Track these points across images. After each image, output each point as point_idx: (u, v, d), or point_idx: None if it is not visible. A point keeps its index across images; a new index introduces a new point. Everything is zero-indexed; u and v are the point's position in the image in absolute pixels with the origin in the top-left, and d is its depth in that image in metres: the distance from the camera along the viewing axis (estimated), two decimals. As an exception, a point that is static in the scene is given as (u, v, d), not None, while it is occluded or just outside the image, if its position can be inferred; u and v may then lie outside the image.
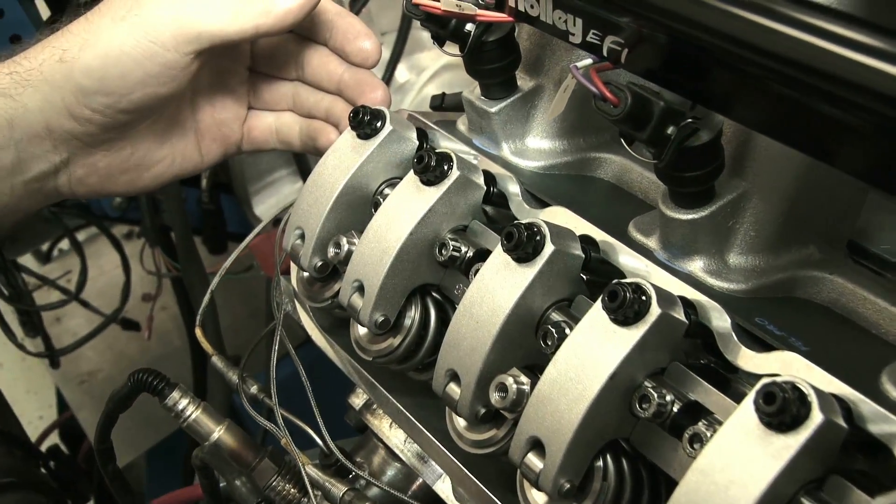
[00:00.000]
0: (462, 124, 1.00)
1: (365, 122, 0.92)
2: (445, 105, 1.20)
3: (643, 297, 0.70)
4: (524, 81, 0.94)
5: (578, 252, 0.78)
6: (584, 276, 0.80)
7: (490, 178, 0.90)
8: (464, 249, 0.86)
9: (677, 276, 0.77)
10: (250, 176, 1.97)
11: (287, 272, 1.09)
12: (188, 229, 1.90)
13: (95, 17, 0.92)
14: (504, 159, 0.95)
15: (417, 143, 0.95)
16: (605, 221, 0.83)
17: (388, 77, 1.78)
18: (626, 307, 0.69)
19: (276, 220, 1.97)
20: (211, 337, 1.61)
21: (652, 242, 0.82)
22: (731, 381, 0.73)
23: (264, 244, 1.97)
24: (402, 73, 1.84)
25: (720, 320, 0.73)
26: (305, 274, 0.99)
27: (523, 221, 0.77)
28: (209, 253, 2.14)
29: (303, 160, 1.92)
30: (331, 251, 0.91)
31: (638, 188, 0.92)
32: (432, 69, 1.82)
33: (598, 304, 0.71)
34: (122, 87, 0.92)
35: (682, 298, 0.74)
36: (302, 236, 0.95)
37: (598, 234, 0.81)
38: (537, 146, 0.95)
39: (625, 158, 0.94)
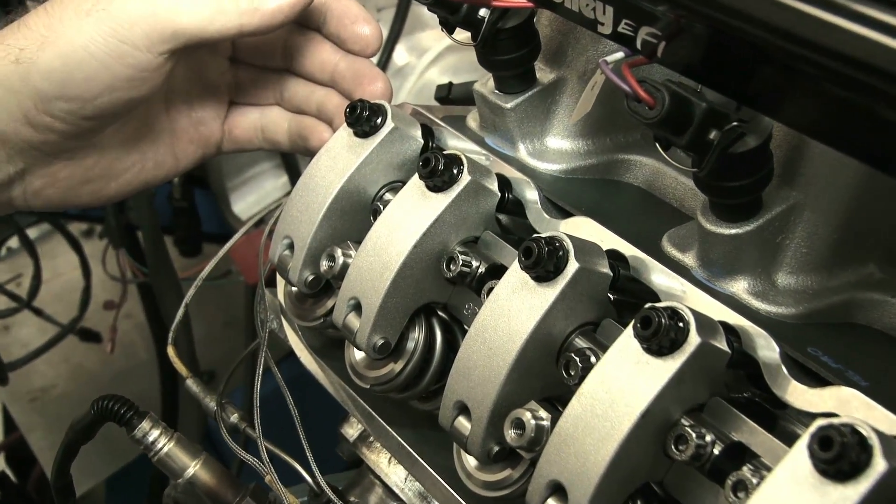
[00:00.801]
0: (473, 121, 1.00)
1: (363, 118, 0.92)
2: (453, 97, 1.20)
3: (680, 324, 0.69)
4: (544, 73, 0.94)
5: (606, 270, 0.78)
6: (612, 296, 0.80)
7: (505, 183, 0.90)
8: (475, 264, 0.86)
9: (718, 299, 0.76)
10: (228, 170, 1.97)
11: (272, 284, 1.09)
12: (158, 229, 1.90)
13: (57, 10, 0.88)
14: (520, 161, 0.95)
15: (422, 142, 0.95)
16: (635, 234, 0.83)
17: (384, 59, 1.78)
18: (660, 335, 0.69)
19: (259, 221, 1.98)
20: (184, 355, 1.60)
21: (689, 259, 0.82)
22: (780, 420, 0.73)
23: (245, 246, 1.97)
24: (400, 54, 1.84)
25: (767, 349, 0.73)
26: (294, 288, 0.98)
27: (543, 235, 0.77)
28: (181, 255, 2.15)
29: (288, 154, 1.92)
30: (323, 264, 0.91)
31: (672, 195, 0.92)
32: (435, 51, 1.82)
33: (629, 330, 0.71)
34: (86, 92, 0.89)
35: (724, 324, 0.73)
36: (291, 246, 0.95)
37: (628, 249, 0.81)
38: (558, 147, 0.95)
39: (657, 161, 0.94)
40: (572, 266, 0.75)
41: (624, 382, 0.70)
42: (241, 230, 1.24)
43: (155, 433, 0.99)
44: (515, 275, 0.78)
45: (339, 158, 0.93)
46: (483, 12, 0.87)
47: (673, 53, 0.71)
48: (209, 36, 0.90)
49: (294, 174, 1.94)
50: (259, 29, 0.91)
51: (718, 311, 0.75)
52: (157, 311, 2.13)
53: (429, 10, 0.88)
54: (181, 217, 2.08)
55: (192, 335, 1.80)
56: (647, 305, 0.70)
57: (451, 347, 0.90)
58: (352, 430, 1.03)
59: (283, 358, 1.62)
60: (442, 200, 0.85)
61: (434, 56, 1.82)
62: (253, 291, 1.99)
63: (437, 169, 0.84)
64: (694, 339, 0.69)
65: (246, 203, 2.00)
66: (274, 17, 0.91)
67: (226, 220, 2.11)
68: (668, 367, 0.69)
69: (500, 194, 0.88)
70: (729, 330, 0.73)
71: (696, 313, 0.70)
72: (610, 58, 0.73)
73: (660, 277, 0.79)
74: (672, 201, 0.92)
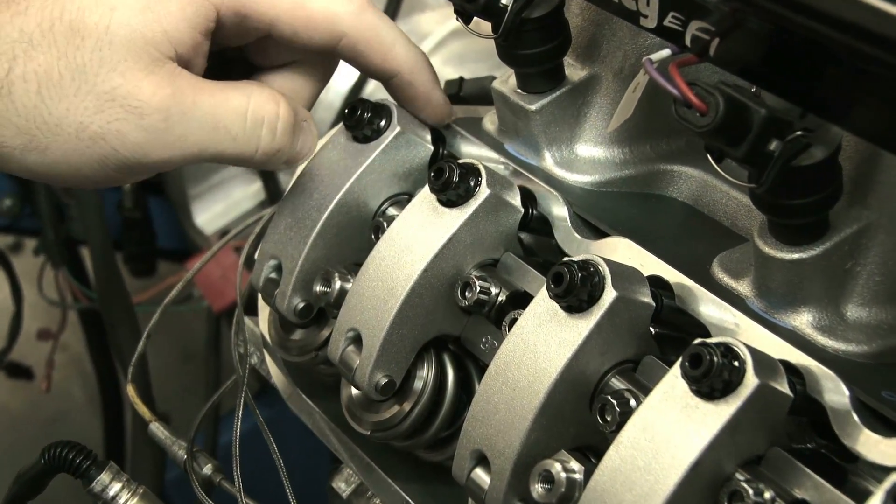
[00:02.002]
0: (490, 123, 1.02)
1: (364, 120, 0.95)
2: (464, 93, 1.22)
3: (735, 363, 0.72)
4: (574, 70, 0.96)
5: (647, 299, 0.80)
6: (654, 330, 0.83)
7: (528, 196, 0.92)
8: (494, 291, 0.88)
9: (778, 334, 0.79)
10: (190, 175, 1.99)
11: (251, 309, 1.11)
12: (109, 243, 1.90)
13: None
14: (546, 172, 0.97)
15: (432, 148, 0.97)
16: (680, 257, 0.85)
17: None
18: (712, 376, 0.71)
19: (225, 234, 2.00)
20: (142, 393, 1.62)
21: (744, 287, 0.84)
22: (850, 474, 0.76)
23: (209, 266, 1.99)
24: (397, 40, 1.86)
25: (835, 393, 0.75)
26: (279, 317, 1.01)
27: (575, 259, 0.79)
28: (131, 275, 2.16)
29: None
30: (317, 289, 0.93)
31: (723, 213, 0.95)
32: (437, 36, 1.85)
33: (676, 370, 0.73)
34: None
35: (785, 364, 0.76)
36: (278, 269, 0.97)
37: (673, 275, 0.83)
38: (590, 155, 0.97)
39: (706, 173, 0.96)
40: (609, 295, 0.78)
41: (670, 430, 0.72)
42: (214, 247, 1.27)
43: (116, 486, 1.01)
44: (543, 304, 0.80)
45: (336, 166, 0.95)
46: (506, 0, 0.89)
47: (728, 52, 0.74)
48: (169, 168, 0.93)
49: (269, 180, 1.96)
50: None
51: (778, 348, 0.77)
52: (100, 342, 2.15)
53: (444, -4, 0.90)
54: (133, 230, 2.10)
55: (149, 372, 1.82)
56: (697, 341, 0.73)
57: (465, 387, 0.93)
58: (345, 485, 1.06)
59: (258, 392, 1.64)
60: (456, 217, 0.88)
61: (436, 43, 1.84)
62: (217, 321, 2.02)
63: (450, 181, 0.87)
64: (751, 381, 0.71)
65: (211, 214, 2.02)
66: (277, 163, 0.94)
67: (185, 234, 2.13)
68: (720, 413, 0.71)
69: (523, 210, 0.90)
70: (791, 370, 0.76)
71: (752, 350, 0.72)
72: (655, 56, 0.76)
73: (710, 308, 0.81)
74: (723, 219, 0.95)
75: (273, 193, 1.96)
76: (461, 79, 1.24)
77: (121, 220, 2.10)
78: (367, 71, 0.96)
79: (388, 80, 0.97)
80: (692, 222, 0.96)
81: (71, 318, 2.21)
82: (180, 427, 2.57)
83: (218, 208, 2.02)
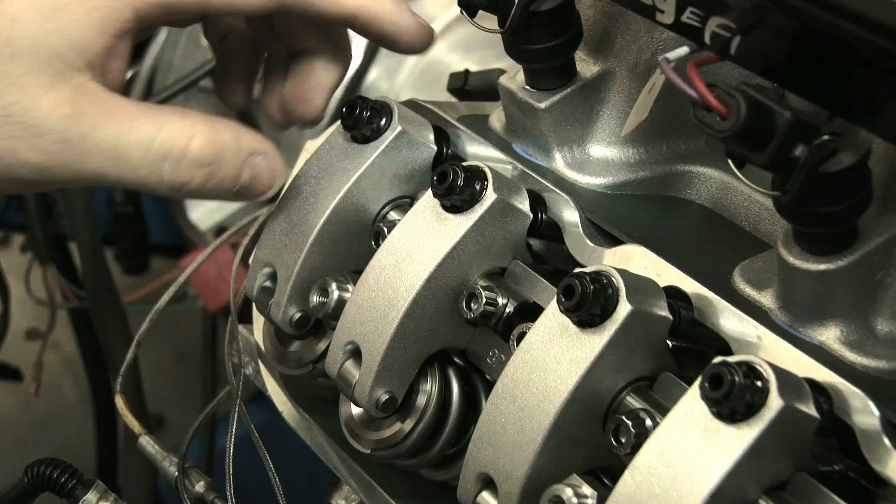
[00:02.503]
0: (497, 122, 1.01)
1: (363, 119, 0.93)
2: (470, 88, 1.21)
3: (758, 383, 0.70)
4: (586, 66, 0.95)
5: (664, 313, 0.79)
6: (670, 343, 0.81)
7: (538, 200, 0.91)
8: (501, 302, 0.87)
9: (803, 349, 0.77)
10: (184, 167, 1.97)
11: (245, 316, 1.10)
12: (98, 240, 1.89)
13: None
14: (556, 173, 0.96)
15: (435, 148, 0.96)
16: (699, 266, 0.84)
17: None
18: (733, 397, 0.70)
19: (221, 231, 1.99)
20: (133, 402, 1.61)
21: (767, 299, 0.83)
22: (879, 499, 0.74)
23: (204, 263, 1.98)
24: (399, 26, 1.84)
25: (864, 414, 0.73)
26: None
27: (587, 270, 0.78)
28: (124, 273, 2.16)
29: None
30: (314, 300, 0.92)
31: (744, 217, 0.93)
32: (442, 21, 1.83)
33: (695, 390, 0.72)
34: None
35: (811, 382, 0.74)
36: (273, 277, 0.96)
37: (691, 286, 0.82)
38: (603, 155, 0.96)
39: (726, 174, 0.95)
40: (624, 308, 0.77)
41: (689, 455, 0.71)
42: (208, 248, 1.26)
43: (103, 506, 1.00)
44: (553, 319, 0.79)
45: (334, 169, 0.94)
46: (513, -8, 0.88)
47: (750, 50, 0.73)
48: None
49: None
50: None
51: (804, 365, 0.76)
52: (92, 342, 2.14)
53: (446, -12, 0.89)
54: (124, 225, 2.09)
55: (140, 375, 1.81)
56: (718, 360, 0.71)
57: (471, 403, 0.91)
58: (344, 503, 1.05)
59: (255, 392, 1.63)
60: (461, 223, 0.86)
61: (441, 28, 1.81)
62: (213, 320, 2.02)
63: (455, 185, 0.86)
64: (775, 403, 0.70)
65: (206, 209, 2.01)
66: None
67: (179, 229, 2.12)
68: (742, 437, 0.70)
69: (531, 215, 0.89)
70: (817, 389, 0.74)
71: (776, 370, 0.71)
72: (672, 54, 0.74)
73: (731, 322, 0.80)
74: (744, 224, 0.93)
75: (270, 188, 1.94)
76: (466, 71, 1.23)
77: (112, 215, 2.09)
78: (326, 22, 0.94)
79: (351, 26, 0.94)
80: (711, 227, 0.94)
81: (61, 315, 2.19)
82: (175, 428, 2.57)
83: (213, 203, 2.01)
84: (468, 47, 1.80)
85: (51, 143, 0.83)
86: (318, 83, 0.97)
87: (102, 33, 0.85)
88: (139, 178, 0.86)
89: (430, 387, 0.90)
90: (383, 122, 0.94)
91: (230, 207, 2.00)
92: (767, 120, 0.70)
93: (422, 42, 0.96)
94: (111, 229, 2.10)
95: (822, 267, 0.78)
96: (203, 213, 2.01)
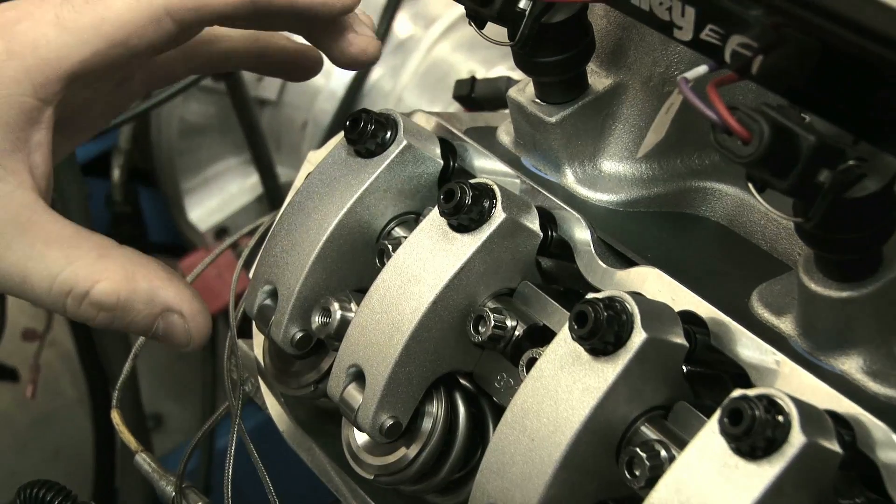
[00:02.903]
0: (506, 134, 0.99)
1: (367, 132, 0.91)
2: (476, 94, 1.19)
3: (779, 418, 0.68)
4: (598, 78, 0.92)
5: (680, 340, 0.77)
6: (685, 367, 0.79)
7: (548, 218, 0.89)
8: (510, 325, 0.85)
9: (825, 379, 0.75)
10: (183, 167, 1.97)
11: (245, 328, 1.08)
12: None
13: None
14: (567, 189, 0.94)
15: (442, 163, 0.94)
16: (715, 289, 0.82)
17: (383, 30, 1.78)
18: (754, 434, 0.68)
19: (221, 232, 1.97)
20: (130, 416, 1.59)
21: (786, 325, 0.80)
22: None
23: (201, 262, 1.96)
24: (403, 23, 1.83)
25: (889, 448, 0.71)
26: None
27: (600, 296, 0.76)
28: (121, 273, 2.13)
29: (259, 146, 1.91)
30: (316, 320, 0.90)
31: (761, 236, 0.91)
32: (446, 20, 1.82)
33: (714, 424, 0.70)
34: None
35: (833, 415, 0.72)
36: (273, 295, 0.94)
37: (708, 311, 0.80)
38: (615, 171, 0.94)
39: (742, 191, 0.93)
40: (639, 336, 0.75)
41: (706, 492, 0.69)
42: (210, 256, 1.23)
43: (98, 530, 0.97)
44: (565, 346, 0.77)
45: (337, 184, 0.92)
46: (524, 3, 0.85)
47: (772, 70, 0.70)
48: None
49: (267, 172, 1.93)
50: None
51: (825, 396, 0.74)
52: (89, 340, 2.12)
53: (455, 0, 0.86)
54: (123, 225, 2.08)
55: (138, 379, 1.79)
56: (737, 394, 0.69)
57: (478, 426, 0.89)
58: (347, 525, 1.03)
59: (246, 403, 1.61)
60: (469, 243, 0.84)
61: (445, 27, 1.81)
62: (213, 321, 1.99)
63: (462, 204, 0.83)
64: (797, 439, 0.68)
65: (205, 209, 2.00)
66: None
67: (178, 228, 2.11)
68: (763, 475, 0.68)
69: (542, 235, 0.87)
70: (839, 421, 0.72)
71: (798, 404, 0.69)
72: (690, 74, 0.72)
73: (749, 349, 0.78)
74: (761, 242, 0.91)
75: (271, 188, 1.93)
76: (473, 79, 1.20)
77: (111, 214, 2.07)
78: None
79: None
80: (727, 246, 0.92)
81: (57, 316, 2.17)
82: (173, 427, 2.54)
83: (213, 203, 2.00)
84: (472, 47, 1.78)
85: None
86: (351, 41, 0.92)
87: (9, 131, 0.83)
88: (45, 304, 0.85)
89: (435, 410, 0.88)
90: (388, 135, 0.92)
91: (230, 208, 1.99)
92: (791, 144, 0.68)
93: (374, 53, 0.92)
94: (109, 229, 2.08)
95: (845, 294, 0.75)
96: (202, 214, 2.00)
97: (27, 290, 0.84)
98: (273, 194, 1.94)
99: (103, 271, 0.85)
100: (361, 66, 0.93)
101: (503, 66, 1.69)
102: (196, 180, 1.99)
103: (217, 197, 2.01)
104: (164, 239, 2.19)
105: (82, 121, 0.99)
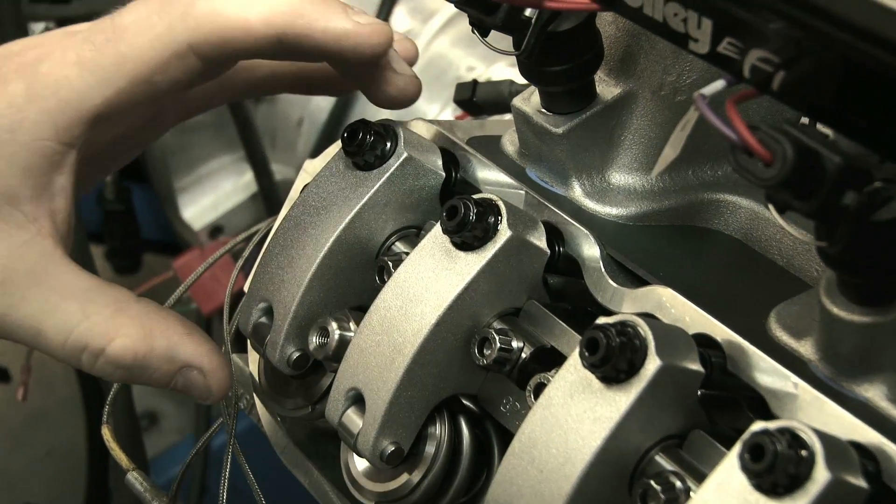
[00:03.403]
0: (510, 144, 0.96)
1: (366, 144, 0.88)
2: (478, 98, 1.16)
3: (802, 453, 0.65)
4: (606, 87, 0.90)
5: (696, 367, 0.74)
6: (700, 391, 0.76)
7: (555, 233, 0.86)
8: (516, 346, 0.82)
9: (847, 407, 0.72)
10: (177, 165, 1.94)
11: (240, 340, 1.05)
12: (84, 238, 1.85)
13: None
14: (574, 203, 0.92)
15: (444, 174, 0.91)
16: (731, 309, 0.79)
17: (379, 25, 1.73)
18: (776, 470, 0.65)
19: (215, 230, 1.94)
20: (123, 430, 1.56)
21: (806, 349, 0.78)
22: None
23: (197, 263, 1.93)
24: (400, 18, 1.81)
25: (916, 481, 0.69)
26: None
27: (612, 321, 0.73)
28: (114, 272, 2.11)
29: (254, 143, 1.88)
30: (313, 341, 0.88)
31: (777, 250, 0.89)
32: (444, 15, 1.79)
33: (733, 459, 0.67)
34: None
35: (857, 446, 0.70)
36: (269, 313, 0.91)
37: (724, 334, 0.77)
38: (624, 183, 0.91)
39: (757, 203, 0.90)
40: (653, 363, 0.72)
41: (726, 529, 0.66)
42: (207, 262, 1.20)
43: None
44: (575, 373, 0.74)
45: (334, 198, 0.90)
46: (529, 12, 0.82)
47: (795, 87, 0.67)
48: None
49: (261, 170, 1.90)
50: None
51: (849, 426, 0.71)
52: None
53: (457, 6, 0.83)
54: (115, 223, 2.05)
55: (134, 407, 1.77)
56: (758, 428, 0.67)
57: (483, 450, 0.87)
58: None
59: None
60: (473, 262, 0.81)
61: (445, 21, 1.78)
62: (208, 323, 1.97)
63: (466, 221, 0.81)
64: (821, 476, 0.65)
65: (199, 207, 1.97)
66: None
67: (171, 226, 2.08)
68: (786, 513, 0.65)
69: (549, 252, 0.84)
70: (864, 453, 0.70)
71: (823, 437, 0.66)
72: (707, 89, 0.69)
73: (767, 375, 0.75)
74: (776, 257, 0.89)
75: (265, 186, 1.90)
76: (475, 82, 1.17)
77: (102, 212, 2.04)
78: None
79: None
80: (742, 262, 0.90)
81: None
82: (167, 426, 2.52)
83: (207, 201, 1.97)
84: (472, 42, 1.75)
85: None
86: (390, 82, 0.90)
87: (30, 176, 0.82)
88: (59, 359, 0.85)
89: (439, 434, 0.85)
90: (388, 147, 0.89)
91: (224, 207, 1.97)
92: (815, 165, 0.65)
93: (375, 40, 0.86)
94: (101, 227, 2.06)
95: (870, 319, 0.72)
96: (197, 212, 1.97)
97: (41, 344, 0.84)
98: (268, 192, 1.92)
99: (120, 328, 0.84)
100: (401, 107, 0.90)
101: (503, 63, 1.66)
102: (189, 178, 1.97)
103: (211, 195, 1.98)
104: (157, 237, 2.16)
105: (113, 154, 0.98)
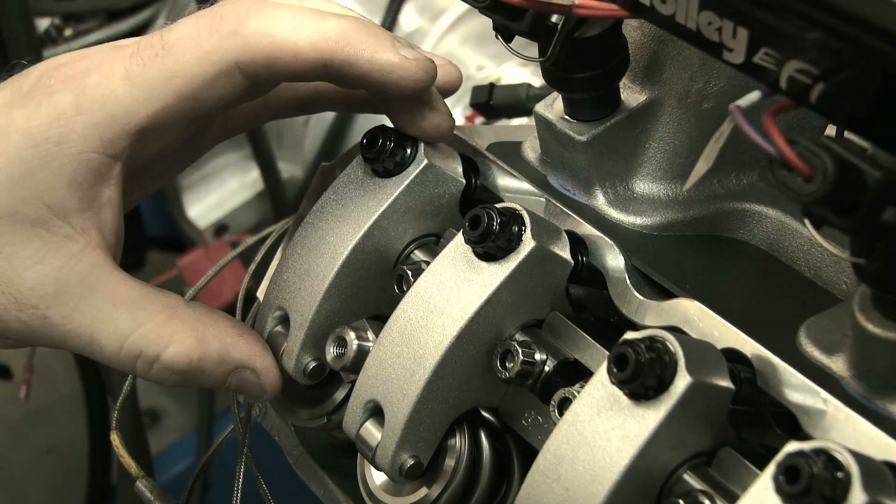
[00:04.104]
0: (531, 150, 0.95)
1: (386, 150, 0.87)
2: (495, 102, 1.14)
3: (838, 475, 0.64)
4: (632, 94, 0.88)
5: (727, 383, 0.72)
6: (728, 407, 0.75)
7: (578, 243, 0.84)
8: (539, 359, 0.81)
9: (881, 426, 0.70)
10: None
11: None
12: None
13: None
14: (598, 212, 0.90)
15: (464, 181, 0.90)
16: (760, 323, 0.78)
17: (389, 22, 1.73)
18: (812, 494, 0.63)
19: (220, 229, 1.92)
20: (127, 431, 1.54)
21: (838, 366, 0.76)
22: None
23: (202, 261, 1.92)
24: (409, 17, 1.80)
25: (955, 504, 0.67)
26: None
27: (640, 336, 0.71)
28: (119, 269, 2.09)
29: (260, 141, 1.86)
30: (330, 352, 0.86)
31: (804, 262, 0.87)
32: (453, 13, 1.78)
33: (767, 481, 0.66)
34: None
35: (892, 466, 0.68)
36: (285, 321, 0.90)
37: (753, 349, 0.76)
38: (649, 193, 0.90)
39: (784, 213, 0.89)
40: (683, 381, 0.70)
41: (760, 552, 0.65)
42: (217, 266, 1.18)
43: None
44: (602, 389, 0.73)
45: (353, 205, 0.88)
46: (555, 18, 0.81)
47: (834, 99, 0.65)
48: None
49: (268, 168, 1.88)
50: None
51: (883, 446, 0.70)
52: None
53: (481, 12, 0.81)
54: (119, 220, 2.03)
55: (140, 413, 1.75)
56: (793, 449, 0.65)
57: (503, 464, 0.85)
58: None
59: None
60: (496, 273, 0.80)
61: (453, 20, 1.78)
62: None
63: (490, 231, 0.79)
64: (858, 499, 0.63)
65: (204, 205, 1.96)
66: None
67: (176, 223, 2.06)
68: (821, 537, 0.64)
69: (573, 263, 0.83)
70: (898, 473, 0.68)
71: (859, 459, 0.64)
72: (743, 101, 0.67)
73: (798, 393, 0.73)
74: (804, 269, 0.87)
75: (272, 185, 1.89)
76: (491, 85, 1.15)
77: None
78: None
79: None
80: (769, 273, 0.88)
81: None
82: (170, 424, 2.50)
83: (212, 199, 1.96)
84: (482, 40, 1.75)
85: (32, 318, 0.83)
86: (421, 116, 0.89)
87: (77, 189, 0.82)
88: (114, 366, 0.85)
89: (459, 447, 0.84)
90: (408, 153, 0.87)
91: (230, 205, 1.95)
92: (855, 181, 0.63)
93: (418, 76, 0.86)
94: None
95: (905, 337, 0.71)
96: (201, 210, 1.96)
97: (96, 352, 0.84)
98: (274, 190, 1.90)
99: (173, 334, 0.84)
100: (432, 140, 0.89)
101: (513, 63, 1.64)
102: (195, 176, 1.95)
103: (216, 193, 1.96)
104: (162, 231, 2.15)
105: (157, 170, 0.98)
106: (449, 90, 0.91)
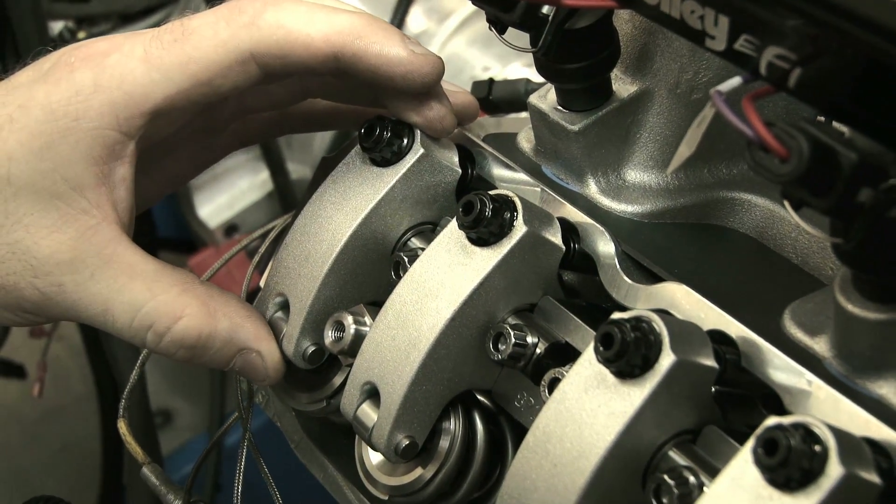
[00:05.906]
0: (526, 141, 0.96)
1: (383, 140, 0.89)
2: (494, 96, 1.16)
3: (816, 448, 0.65)
4: (623, 85, 0.90)
5: (711, 362, 0.74)
6: (714, 388, 0.76)
7: (570, 230, 0.86)
8: (531, 342, 0.82)
9: (861, 404, 0.72)
10: (191, 163, 1.93)
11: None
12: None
13: None
14: (590, 200, 0.92)
15: (460, 171, 0.91)
16: (746, 306, 0.79)
17: (396, 24, 1.74)
18: (790, 464, 0.65)
19: (231, 229, 1.94)
20: (138, 426, 1.56)
21: (820, 346, 0.77)
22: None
23: (212, 260, 1.94)
24: (417, 19, 1.81)
25: (932, 479, 0.68)
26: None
27: (627, 316, 0.73)
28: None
29: (269, 141, 1.88)
30: (329, 335, 0.88)
31: (792, 249, 0.89)
32: (460, 15, 1.80)
33: (747, 454, 0.67)
34: None
35: (871, 443, 0.69)
36: (285, 307, 0.92)
37: (738, 330, 0.77)
38: (640, 181, 0.91)
39: (772, 202, 0.90)
40: (667, 359, 0.72)
41: (739, 524, 0.66)
42: (222, 259, 1.21)
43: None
44: (589, 368, 0.74)
45: (351, 193, 0.90)
46: (546, 9, 0.82)
47: (811, 84, 0.67)
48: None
49: (277, 168, 1.90)
50: None
51: (862, 423, 0.71)
52: (96, 338, 2.10)
53: (475, 4, 0.83)
54: (131, 220, 2.05)
55: (146, 380, 1.77)
56: (772, 423, 0.66)
57: (496, 445, 0.87)
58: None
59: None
60: (489, 258, 0.82)
61: (460, 22, 1.78)
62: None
63: (482, 216, 0.81)
64: (835, 471, 0.65)
65: (215, 205, 1.97)
66: None
67: (187, 223, 2.08)
68: (799, 508, 0.65)
69: (564, 248, 0.84)
70: (877, 449, 0.69)
71: (836, 433, 0.66)
72: (724, 86, 0.69)
73: (782, 372, 0.75)
74: (791, 256, 0.88)
75: (281, 185, 1.90)
76: (491, 80, 1.17)
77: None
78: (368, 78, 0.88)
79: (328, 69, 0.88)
80: (757, 260, 0.90)
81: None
82: (182, 424, 2.52)
83: (223, 199, 1.97)
84: (488, 42, 1.76)
85: (48, 286, 0.85)
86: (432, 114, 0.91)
87: (93, 164, 0.85)
88: (125, 336, 0.87)
89: (453, 429, 0.85)
90: (404, 143, 0.89)
91: (240, 205, 1.97)
92: (831, 162, 0.65)
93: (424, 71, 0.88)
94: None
95: (885, 316, 0.72)
96: (212, 211, 1.97)
97: (108, 322, 0.86)
98: (284, 191, 1.92)
99: (185, 307, 0.86)
100: (435, 134, 0.91)
101: (519, 63, 1.66)
102: (205, 176, 1.96)
103: (227, 193, 1.98)
104: (173, 235, 2.16)
105: (171, 171, 1.01)
106: (468, 117, 0.95)
